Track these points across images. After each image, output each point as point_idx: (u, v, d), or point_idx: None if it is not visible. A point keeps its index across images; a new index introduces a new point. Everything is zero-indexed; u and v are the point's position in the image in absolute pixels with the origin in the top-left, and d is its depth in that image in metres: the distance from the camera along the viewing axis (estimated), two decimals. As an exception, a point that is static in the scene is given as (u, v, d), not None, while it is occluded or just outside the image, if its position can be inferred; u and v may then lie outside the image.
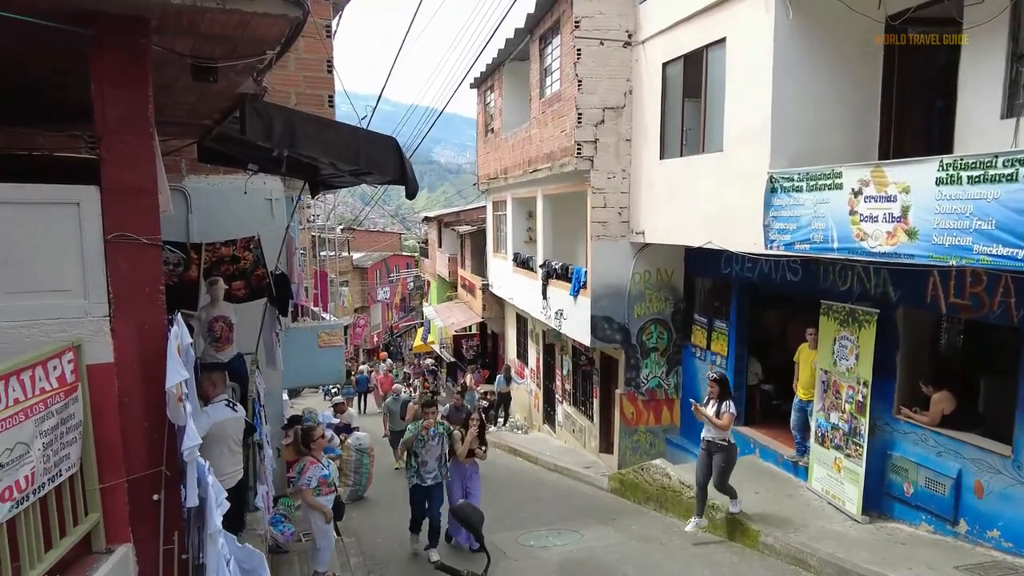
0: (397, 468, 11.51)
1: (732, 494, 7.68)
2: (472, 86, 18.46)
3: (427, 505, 7.72)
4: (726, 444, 7.48)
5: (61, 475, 3.30)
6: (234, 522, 5.50)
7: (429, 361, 28.09)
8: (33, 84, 5.00)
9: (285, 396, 12.04)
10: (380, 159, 5.39)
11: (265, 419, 7.17)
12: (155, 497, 3.85)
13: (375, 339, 40.29)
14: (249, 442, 6.69)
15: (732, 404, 7.49)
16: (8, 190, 3.45)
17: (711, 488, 7.70)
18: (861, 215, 6.30)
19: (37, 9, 3.31)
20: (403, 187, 5.76)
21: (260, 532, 6.90)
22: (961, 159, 5.33)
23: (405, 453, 7.72)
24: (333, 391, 19.42)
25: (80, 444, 3.47)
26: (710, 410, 7.49)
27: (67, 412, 3.32)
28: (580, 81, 10.72)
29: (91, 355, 3.55)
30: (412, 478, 7.62)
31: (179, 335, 3.62)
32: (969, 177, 5.24)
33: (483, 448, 7.99)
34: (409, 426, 7.97)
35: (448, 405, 12.78)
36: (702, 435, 7.67)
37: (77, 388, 3.41)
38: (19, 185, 3.46)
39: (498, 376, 18.68)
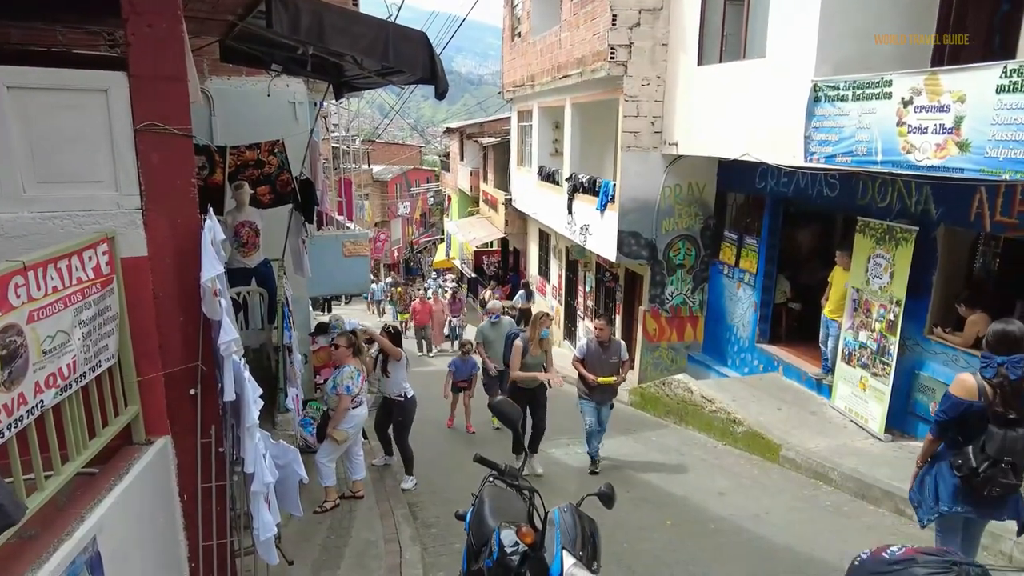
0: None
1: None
2: (499, -12, 17.71)
3: None
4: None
5: (101, 366, 3.33)
6: (264, 422, 5.60)
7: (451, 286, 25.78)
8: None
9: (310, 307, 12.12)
10: (409, 55, 5.16)
11: (293, 324, 7.22)
12: (191, 391, 3.91)
13: (396, 254, 40.43)
14: (279, 346, 6.79)
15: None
16: (35, 75, 3.35)
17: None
18: (909, 126, 6.01)
19: None
20: (432, 87, 5.57)
21: (291, 432, 7.08)
22: (1028, 64, 5.01)
23: None
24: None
25: (117, 337, 3.49)
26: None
27: (104, 304, 3.31)
28: (615, -20, 10.17)
29: (125, 248, 3.52)
30: None
31: (212, 229, 3.56)
32: (1035, 84, 4.94)
33: None
34: None
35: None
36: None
37: (112, 280, 3.39)
38: (46, 70, 3.35)
39: (519, 292, 18.54)
